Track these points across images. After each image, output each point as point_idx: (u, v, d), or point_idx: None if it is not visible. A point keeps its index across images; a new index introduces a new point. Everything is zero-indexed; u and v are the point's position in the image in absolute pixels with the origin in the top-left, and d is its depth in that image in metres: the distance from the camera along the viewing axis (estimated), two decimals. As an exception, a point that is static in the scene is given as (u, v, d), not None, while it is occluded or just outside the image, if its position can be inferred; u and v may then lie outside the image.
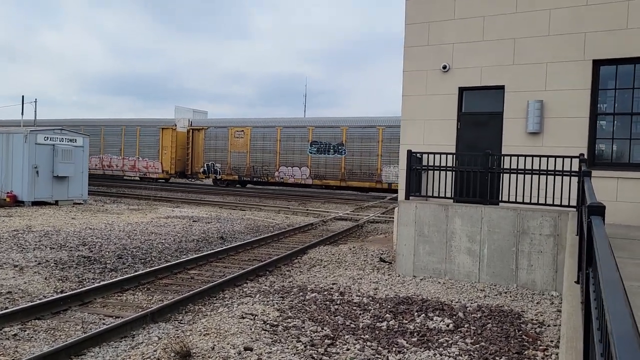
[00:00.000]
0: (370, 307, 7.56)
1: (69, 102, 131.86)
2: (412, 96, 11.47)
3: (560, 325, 6.85)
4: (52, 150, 19.85)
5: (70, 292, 7.81)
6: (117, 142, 35.63)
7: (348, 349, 5.90)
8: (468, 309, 7.58)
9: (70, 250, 11.37)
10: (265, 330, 6.40)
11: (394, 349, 5.97)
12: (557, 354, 5.95)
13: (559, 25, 10.01)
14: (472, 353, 5.90)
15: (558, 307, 7.74)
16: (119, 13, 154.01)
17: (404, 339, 6.29)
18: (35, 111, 43.59)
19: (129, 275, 8.97)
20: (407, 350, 5.96)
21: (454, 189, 10.06)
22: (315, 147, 29.52)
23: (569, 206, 8.61)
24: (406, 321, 6.99)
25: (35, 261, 10.16)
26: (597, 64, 9.75)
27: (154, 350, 5.67)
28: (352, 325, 6.75)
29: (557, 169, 8.88)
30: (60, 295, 7.61)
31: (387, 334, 6.49)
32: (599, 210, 2.80)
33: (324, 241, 13.83)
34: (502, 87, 10.61)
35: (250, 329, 6.35)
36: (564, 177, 8.80)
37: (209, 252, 11.48)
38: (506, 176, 9.73)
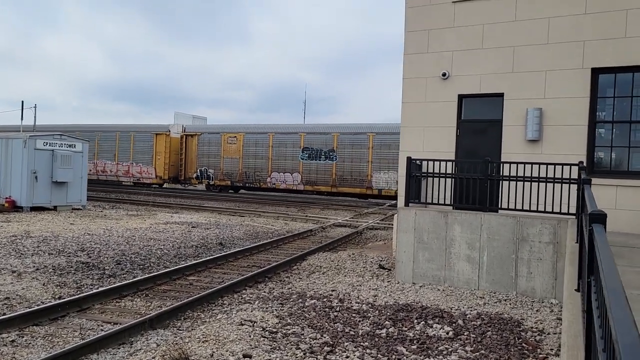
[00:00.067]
0: (369, 314, 7.54)
1: (68, 107, 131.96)
2: (411, 103, 11.50)
3: (560, 333, 6.84)
4: (51, 155, 19.84)
5: (68, 298, 7.78)
6: (112, 148, 35.82)
7: (347, 357, 5.88)
8: (468, 316, 7.57)
9: (69, 256, 11.34)
10: (264, 337, 6.37)
11: (393, 356, 5.95)
12: (557, 362, 5.93)
13: (558, 34, 10.06)
14: (472, 361, 5.88)
15: (558, 315, 7.72)
16: (119, 18, 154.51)
17: (404, 347, 6.27)
18: (34, 116, 43.60)
19: (128, 282, 8.94)
20: (407, 358, 5.94)
21: (454, 195, 10.06)
22: (307, 153, 29.87)
23: (568, 214, 8.61)
24: (406, 328, 6.97)
25: (34, 267, 10.12)
26: (595, 72, 9.79)
27: (153, 357, 5.65)
28: (352, 333, 6.73)
29: (556, 176, 8.89)
30: (58, 302, 7.58)
31: (387, 341, 6.47)
32: (600, 218, 2.81)
33: (323, 247, 13.81)
34: (501, 95, 10.65)
35: (249, 336, 6.33)
36: (564, 184, 8.81)
37: (208, 258, 11.45)
38: (505, 183, 9.73)
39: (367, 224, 19.38)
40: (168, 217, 19.75)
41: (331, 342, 6.31)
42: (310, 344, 6.21)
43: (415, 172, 10.10)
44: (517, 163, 9.18)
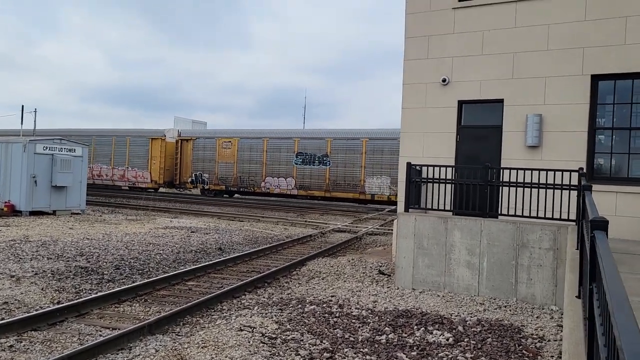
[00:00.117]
0: (369, 320, 7.52)
1: (68, 112, 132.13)
2: (411, 109, 11.52)
3: (560, 340, 6.82)
4: (51, 160, 19.83)
5: (67, 303, 7.75)
6: (108, 152, 35.91)
7: (347, 363, 5.85)
8: (468, 322, 7.54)
9: (68, 261, 11.31)
10: (264, 343, 6.35)
11: (393, 363, 5.92)
12: (557, 369, 5.91)
13: (558, 41, 10.09)
14: (472, 368, 5.86)
15: (558, 321, 7.70)
16: (119, 22, 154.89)
17: (404, 353, 6.24)
18: (34, 121, 43.63)
19: (127, 286, 8.91)
20: (407, 364, 5.91)
21: (454, 201, 10.06)
22: (301, 158, 30.08)
23: (568, 220, 8.61)
24: (405, 335, 6.94)
25: (32, 271, 10.09)
26: (595, 78, 9.81)
27: (152, 363, 5.61)
28: (351, 339, 6.70)
29: (556, 182, 8.89)
30: (57, 306, 7.55)
31: (387, 347, 6.44)
32: (602, 225, 2.80)
33: (322, 253, 13.78)
34: (501, 101, 10.66)
35: (249, 342, 6.30)
36: (564, 190, 8.81)
37: (207, 263, 11.42)
38: (505, 189, 9.73)
39: (367, 230, 19.35)
40: (167, 221, 19.72)
41: (331, 348, 6.29)
42: (310, 350, 6.19)
43: (415, 177, 10.09)
44: (517, 169, 9.18)
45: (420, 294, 9.24)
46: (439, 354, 6.24)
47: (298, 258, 12.75)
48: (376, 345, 6.49)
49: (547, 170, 9.00)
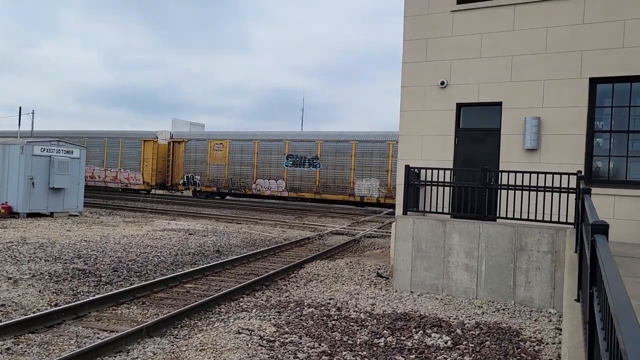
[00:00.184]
0: (367, 323, 7.50)
1: (66, 113, 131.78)
2: (410, 111, 11.53)
3: (559, 343, 6.81)
4: (49, 161, 19.78)
5: (64, 306, 7.72)
6: (100, 154, 35.93)
7: (346, 366, 5.83)
8: (466, 325, 7.54)
9: (65, 263, 11.27)
10: (262, 346, 6.33)
11: (392, 366, 5.91)
12: (556, 373, 5.90)
13: (556, 44, 10.11)
14: (471, 371, 5.85)
15: (556, 324, 7.70)
16: (118, 25, 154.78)
17: (402, 356, 6.23)
18: (32, 122, 43.54)
19: (124, 289, 8.88)
20: (406, 367, 5.90)
21: (452, 204, 10.06)
22: (291, 160, 30.29)
23: (566, 223, 8.61)
24: (404, 338, 6.93)
25: (30, 273, 10.05)
26: (593, 82, 9.84)
27: (149, 366, 5.59)
28: (350, 342, 6.69)
29: (554, 185, 8.90)
30: (54, 309, 7.52)
31: (385, 350, 6.43)
32: (602, 229, 2.80)
33: (320, 255, 13.77)
34: (499, 104, 10.68)
35: (247, 345, 6.29)
36: (562, 193, 8.82)
37: (205, 265, 11.39)
38: (504, 192, 9.74)
39: (365, 232, 19.35)
40: (165, 224, 19.68)
41: (329, 352, 6.27)
42: (308, 353, 6.17)
43: (414, 180, 10.10)
44: (516, 172, 9.18)
45: (418, 297, 9.23)
46: (438, 357, 6.23)
47: (296, 261, 12.73)
48: (374, 349, 6.48)
49: (545, 173, 9.02)
